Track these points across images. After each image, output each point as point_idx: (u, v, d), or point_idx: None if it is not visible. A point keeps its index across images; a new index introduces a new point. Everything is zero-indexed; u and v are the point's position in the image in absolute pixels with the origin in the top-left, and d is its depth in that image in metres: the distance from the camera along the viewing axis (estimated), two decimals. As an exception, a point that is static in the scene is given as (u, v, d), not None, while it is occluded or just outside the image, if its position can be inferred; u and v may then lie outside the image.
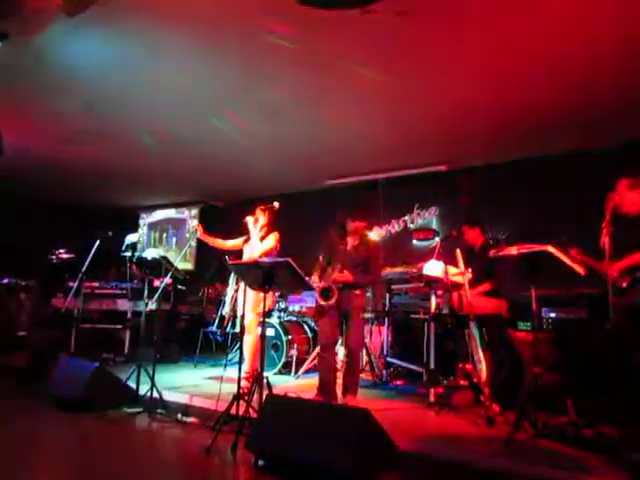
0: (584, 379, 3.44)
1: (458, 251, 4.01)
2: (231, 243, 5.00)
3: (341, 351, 4.64)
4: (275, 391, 3.49)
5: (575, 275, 3.13)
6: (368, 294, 5.80)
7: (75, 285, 5.47)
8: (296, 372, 5.51)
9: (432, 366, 4.13)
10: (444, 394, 4.11)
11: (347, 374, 4.15)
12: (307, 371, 5.56)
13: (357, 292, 4.14)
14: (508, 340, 4.11)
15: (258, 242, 4.61)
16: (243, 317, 4.55)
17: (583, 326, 4.05)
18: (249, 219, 4.69)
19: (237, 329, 5.84)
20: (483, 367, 3.66)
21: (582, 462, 2.69)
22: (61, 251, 6.51)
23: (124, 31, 3.97)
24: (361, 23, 3.64)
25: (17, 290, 6.18)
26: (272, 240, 4.65)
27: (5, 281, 6.08)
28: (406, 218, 7.43)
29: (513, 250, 3.23)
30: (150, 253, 4.69)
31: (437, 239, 6.92)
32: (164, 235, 10.29)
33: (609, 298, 3.09)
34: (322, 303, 4.00)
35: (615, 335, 3.16)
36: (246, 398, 3.26)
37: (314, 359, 5.64)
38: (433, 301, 4.22)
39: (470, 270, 4.03)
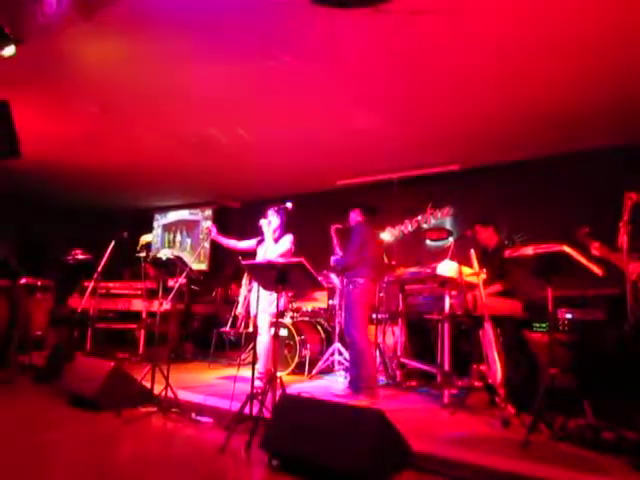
0: (602, 381, 3.39)
1: (472, 251, 3.98)
2: (244, 244, 5.02)
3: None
4: (288, 391, 3.50)
5: (592, 275, 3.09)
6: (381, 294, 5.79)
7: (91, 285, 5.53)
8: (309, 372, 5.51)
9: (446, 367, 4.09)
10: (458, 395, 4.08)
11: (350, 367, 4.35)
12: (320, 371, 5.57)
13: (352, 284, 4.30)
14: (523, 341, 4.07)
15: (272, 244, 4.62)
16: (256, 317, 4.58)
17: (600, 327, 3.99)
18: (263, 222, 4.70)
19: (250, 329, 5.86)
20: (498, 368, 3.63)
21: (601, 465, 2.66)
22: (77, 252, 6.59)
23: (141, 35, 4.02)
24: (374, 22, 3.64)
25: (34, 290, 6.26)
26: (287, 242, 4.65)
27: (23, 281, 6.16)
28: (419, 218, 7.39)
29: (529, 250, 3.19)
30: (164, 253, 4.73)
31: (451, 239, 6.88)
32: (178, 237, 10.37)
33: (628, 299, 3.05)
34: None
35: (634, 336, 3.11)
36: (260, 398, 3.27)
37: (327, 359, 5.64)
38: (447, 302, 4.19)
39: (485, 270, 4.00)
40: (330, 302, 6.31)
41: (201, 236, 9.87)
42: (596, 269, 3.05)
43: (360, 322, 4.26)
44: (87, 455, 2.99)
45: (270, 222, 4.68)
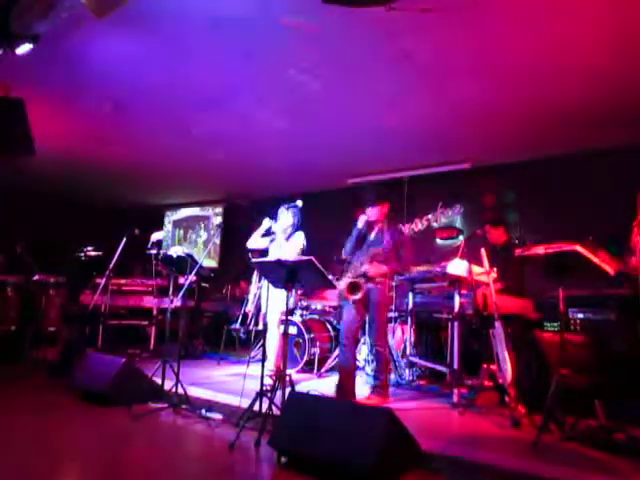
0: (613, 381, 3.36)
1: (483, 250, 3.96)
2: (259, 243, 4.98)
3: (364, 350, 4.63)
4: (297, 389, 3.51)
5: (604, 275, 3.06)
6: (391, 293, 5.78)
7: (102, 282, 5.58)
8: (318, 370, 5.52)
9: (456, 366, 4.08)
10: (468, 395, 4.06)
11: (376, 373, 4.12)
12: (329, 369, 5.57)
13: (379, 285, 4.06)
14: (534, 341, 4.04)
15: (284, 241, 4.64)
16: (266, 315, 4.59)
17: (612, 327, 3.95)
18: (279, 217, 4.72)
19: (260, 327, 5.88)
20: (508, 368, 3.61)
21: (612, 466, 2.64)
22: (89, 249, 6.65)
23: (153, 32, 4.04)
24: (385, 20, 3.62)
25: (47, 287, 6.33)
26: (301, 239, 4.67)
27: (36, 277, 6.23)
28: (430, 217, 7.36)
29: (540, 249, 3.17)
30: (175, 251, 4.75)
31: (461, 238, 6.84)
32: (189, 233, 10.43)
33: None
34: (353, 298, 3.97)
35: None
36: (269, 395, 3.28)
37: (336, 357, 5.64)
38: (457, 300, 4.18)
39: (495, 269, 3.99)
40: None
41: (212, 232, 9.91)
42: (608, 268, 3.02)
43: (383, 326, 4.15)
44: (98, 449, 3.03)
45: (280, 220, 4.70)
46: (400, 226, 4.34)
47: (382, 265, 4.04)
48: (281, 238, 4.67)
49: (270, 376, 4.34)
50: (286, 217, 4.73)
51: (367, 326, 4.22)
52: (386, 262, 4.07)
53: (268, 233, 4.87)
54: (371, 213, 4.22)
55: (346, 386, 3.97)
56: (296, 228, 4.75)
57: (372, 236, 4.24)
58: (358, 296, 3.95)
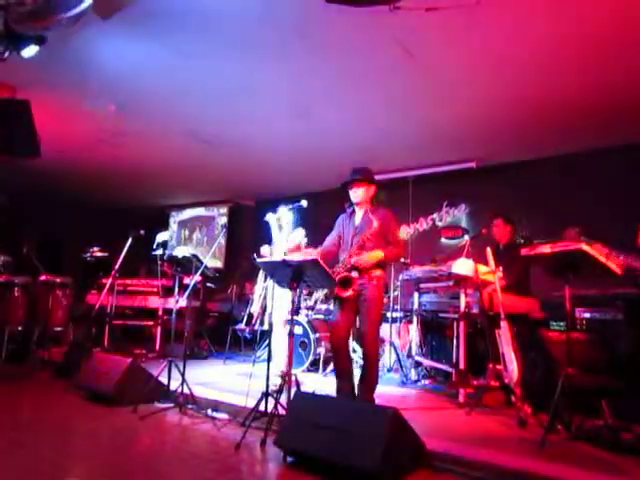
0: (620, 381, 3.34)
1: (488, 249, 3.95)
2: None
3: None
4: (303, 389, 3.50)
5: (611, 274, 3.04)
6: (396, 292, 5.78)
7: (108, 282, 5.60)
8: (324, 370, 5.52)
9: (462, 366, 4.07)
10: (475, 394, 4.05)
11: (361, 380, 3.65)
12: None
13: (373, 279, 3.58)
14: (540, 340, 4.03)
15: (286, 240, 4.66)
16: (271, 315, 4.60)
17: (619, 326, 3.93)
18: (270, 216, 4.74)
19: (265, 326, 5.89)
20: (514, 367, 3.59)
21: (618, 465, 2.62)
22: (95, 249, 6.68)
23: (156, 32, 4.05)
24: (390, 20, 3.62)
25: (54, 287, 6.36)
26: (298, 236, 4.68)
27: (42, 278, 6.26)
28: (434, 216, 7.34)
29: (546, 248, 3.15)
30: (181, 251, 4.77)
31: (466, 237, 6.82)
32: (194, 233, 10.45)
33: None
34: (344, 295, 3.52)
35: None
36: (275, 395, 3.28)
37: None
38: (463, 300, 4.17)
39: (501, 268, 3.98)
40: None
41: (216, 232, 9.93)
42: (615, 267, 3.00)
43: (378, 327, 3.76)
44: (103, 449, 3.04)
45: (280, 218, 4.73)
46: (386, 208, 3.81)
47: (377, 251, 3.54)
48: (283, 237, 4.69)
49: (279, 376, 4.35)
50: (288, 215, 4.75)
51: (358, 327, 3.75)
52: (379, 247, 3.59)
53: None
54: (355, 194, 3.79)
55: (344, 388, 3.68)
56: (297, 225, 4.78)
57: (358, 221, 3.80)
58: (350, 292, 3.53)
